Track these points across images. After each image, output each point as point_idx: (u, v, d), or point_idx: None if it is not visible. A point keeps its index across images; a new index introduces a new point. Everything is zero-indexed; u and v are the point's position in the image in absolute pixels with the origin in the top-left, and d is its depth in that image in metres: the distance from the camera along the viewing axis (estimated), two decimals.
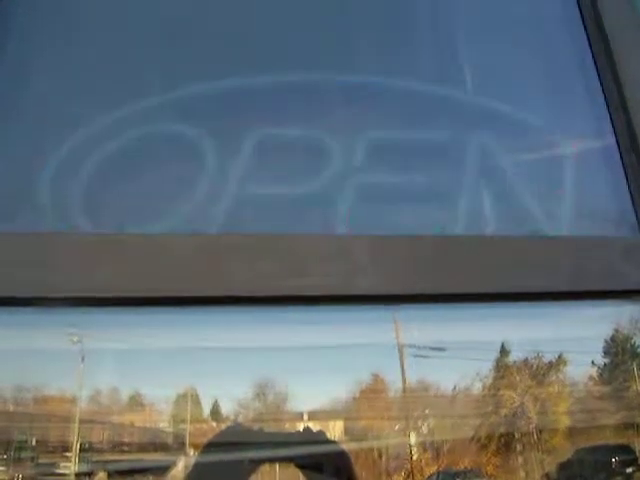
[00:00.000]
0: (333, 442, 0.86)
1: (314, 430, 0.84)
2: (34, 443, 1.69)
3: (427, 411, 2.04)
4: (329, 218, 0.91)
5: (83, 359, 1.35)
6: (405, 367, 1.70)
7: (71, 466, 1.66)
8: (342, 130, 0.99)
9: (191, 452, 1.70)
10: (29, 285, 0.75)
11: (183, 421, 1.70)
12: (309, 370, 1.51)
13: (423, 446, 2.03)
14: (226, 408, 1.62)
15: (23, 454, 1.64)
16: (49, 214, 0.87)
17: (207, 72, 1.03)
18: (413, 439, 1.99)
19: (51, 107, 0.97)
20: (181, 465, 1.67)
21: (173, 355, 1.35)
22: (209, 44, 1.07)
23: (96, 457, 1.73)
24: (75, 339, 1.30)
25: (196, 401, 1.64)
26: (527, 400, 2.32)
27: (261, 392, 1.62)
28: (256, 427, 0.93)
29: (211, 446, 0.87)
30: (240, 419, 1.60)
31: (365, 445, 1.86)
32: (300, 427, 1.63)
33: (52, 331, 0.96)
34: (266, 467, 0.86)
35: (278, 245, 0.83)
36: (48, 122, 0.96)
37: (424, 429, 2.07)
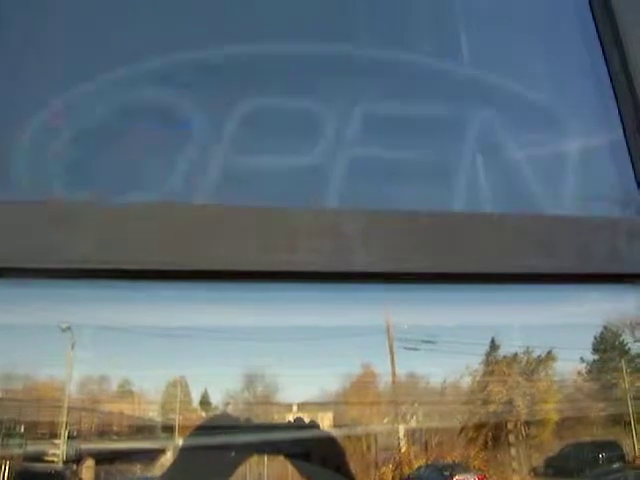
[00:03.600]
0: (323, 431, 0.86)
1: (305, 420, 0.84)
2: (22, 430, 1.69)
3: (416, 404, 2.05)
4: (321, 192, 0.90)
5: (73, 346, 1.35)
6: (395, 360, 1.71)
7: (59, 453, 1.66)
8: (336, 102, 0.94)
9: (180, 441, 1.70)
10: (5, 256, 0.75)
11: (172, 410, 1.70)
12: (299, 359, 1.51)
13: (412, 438, 2.04)
14: (215, 397, 1.62)
15: (11, 441, 1.64)
16: (27, 183, 0.83)
17: (196, 39, 0.97)
18: (402, 431, 2.00)
19: (31, 73, 0.95)
20: (170, 453, 1.67)
21: (158, 336, 1.34)
22: (200, 10, 1.05)
23: (84, 444, 1.73)
24: (64, 326, 1.29)
25: (185, 390, 1.65)
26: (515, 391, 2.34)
27: (251, 382, 1.62)
28: (245, 415, 0.93)
29: (199, 434, 0.87)
30: (230, 408, 1.60)
31: (354, 437, 1.87)
32: (290, 417, 1.63)
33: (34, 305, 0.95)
34: (254, 457, 0.86)
35: (267, 218, 0.81)
36: (27, 89, 0.93)
37: (413, 422, 2.08)
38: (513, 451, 2.30)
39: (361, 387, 1.77)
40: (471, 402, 2.23)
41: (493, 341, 1.98)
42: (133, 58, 0.97)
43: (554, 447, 2.43)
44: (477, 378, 2.13)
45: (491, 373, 2.21)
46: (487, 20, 1.21)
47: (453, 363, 1.90)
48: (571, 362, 2.15)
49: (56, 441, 1.68)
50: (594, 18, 1.10)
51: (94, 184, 0.87)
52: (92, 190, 0.87)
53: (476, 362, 2.07)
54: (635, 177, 0.94)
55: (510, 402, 2.33)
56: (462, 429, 2.19)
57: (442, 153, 0.99)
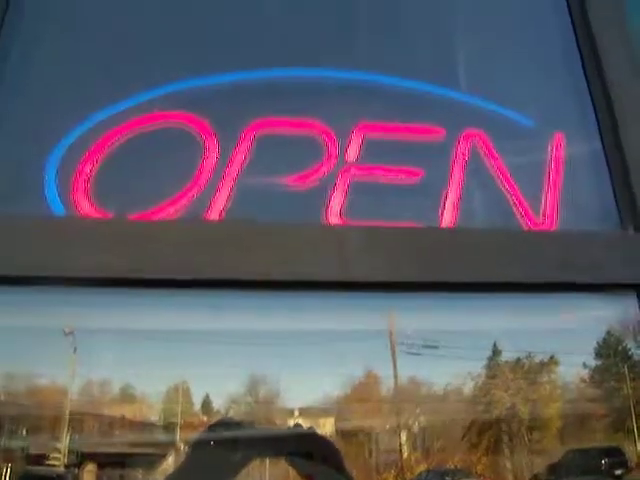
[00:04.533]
0: (322, 437, 0.87)
1: (304, 426, 0.86)
2: (25, 433, 1.69)
3: (418, 410, 2.05)
4: (323, 208, 0.97)
5: (75, 350, 1.35)
6: (397, 365, 1.71)
7: (61, 456, 1.66)
8: (340, 126, 1.03)
9: (181, 445, 1.70)
10: (31, 265, 0.79)
11: (174, 415, 1.70)
12: (301, 364, 1.51)
13: (414, 444, 2.04)
14: (217, 401, 1.63)
15: (14, 444, 1.64)
16: (54, 199, 0.90)
17: (211, 66, 1.07)
18: (404, 437, 1.99)
19: (60, 96, 1.03)
20: (171, 458, 1.67)
21: (161, 340, 1.35)
22: (214, 40, 1.12)
23: (86, 448, 1.73)
24: (67, 330, 1.29)
25: (187, 395, 1.65)
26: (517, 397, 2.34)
27: (253, 387, 1.62)
28: (247, 421, 0.94)
29: (202, 440, 0.87)
30: (231, 414, 1.60)
31: (355, 442, 1.87)
32: (291, 423, 1.63)
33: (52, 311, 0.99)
34: (256, 461, 0.87)
35: (275, 233, 0.87)
36: (56, 111, 1.01)
37: (415, 427, 2.07)
38: (515, 457, 2.29)
39: (363, 392, 1.77)
40: (473, 407, 2.22)
41: (495, 346, 1.97)
42: (154, 84, 1.02)
43: (557, 453, 2.42)
44: (479, 383, 2.12)
45: (493, 378, 2.21)
46: (477, 49, 1.29)
47: (455, 368, 1.89)
48: (571, 367, 2.15)
49: (58, 445, 1.69)
50: (578, 44, 1.16)
51: (118, 201, 0.92)
52: (115, 206, 0.93)
53: (478, 367, 2.06)
54: (613, 192, 0.99)
55: (513, 407, 2.32)
56: (464, 434, 2.18)
57: (433, 173, 1.06)
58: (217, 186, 0.94)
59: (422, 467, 2.04)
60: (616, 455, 2.34)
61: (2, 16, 1.00)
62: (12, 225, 0.83)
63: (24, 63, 1.03)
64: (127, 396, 1.67)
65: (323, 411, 1.74)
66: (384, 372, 1.79)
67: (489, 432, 2.25)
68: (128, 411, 1.74)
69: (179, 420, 1.69)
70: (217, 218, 0.92)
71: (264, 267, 0.83)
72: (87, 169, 0.91)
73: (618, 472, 2.32)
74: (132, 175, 0.97)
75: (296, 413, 1.66)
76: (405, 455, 1.99)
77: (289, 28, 1.16)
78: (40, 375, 1.57)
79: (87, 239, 0.82)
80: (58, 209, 0.89)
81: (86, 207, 0.90)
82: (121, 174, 0.95)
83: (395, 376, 1.76)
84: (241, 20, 1.14)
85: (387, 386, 1.87)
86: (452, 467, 2.13)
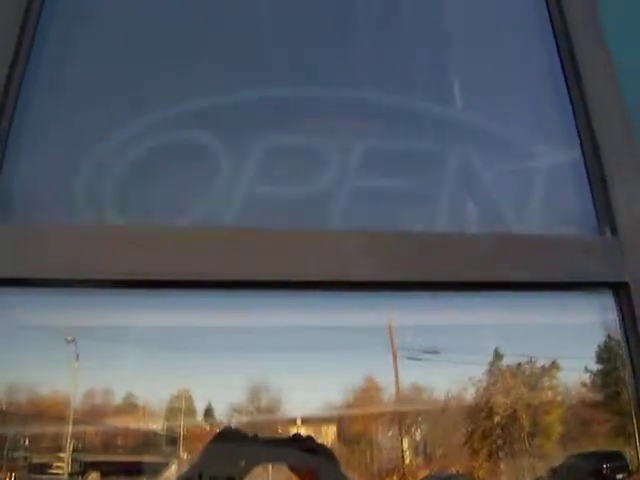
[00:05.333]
0: (321, 445, 0.90)
1: (303, 435, 0.89)
2: (27, 443, 1.69)
3: (420, 417, 2.05)
4: (326, 216, 1.06)
5: (77, 357, 1.35)
6: (399, 371, 1.71)
7: (64, 466, 1.66)
8: (340, 139, 1.12)
9: (184, 454, 1.70)
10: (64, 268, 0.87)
11: (177, 424, 1.70)
12: (303, 374, 1.51)
13: (416, 450, 2.04)
14: (219, 410, 1.63)
15: (16, 454, 1.64)
16: (84, 208, 1.00)
17: (222, 86, 1.16)
18: (406, 443, 1.99)
19: (86, 114, 1.13)
20: (174, 467, 1.67)
21: (163, 348, 1.36)
22: (225, 61, 1.22)
23: (89, 457, 1.73)
24: (69, 338, 1.30)
25: (190, 404, 1.65)
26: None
27: (255, 395, 1.62)
28: (249, 430, 0.95)
29: (207, 449, 0.88)
30: (234, 422, 1.60)
31: (357, 449, 1.87)
32: (293, 431, 1.63)
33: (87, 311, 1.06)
34: (259, 469, 0.88)
35: (281, 239, 0.95)
36: (84, 127, 1.12)
37: (417, 434, 2.08)
38: (517, 462, 2.29)
39: (365, 399, 1.77)
40: (475, 413, 2.23)
41: (497, 351, 1.98)
42: (169, 103, 1.13)
43: (559, 457, 2.42)
44: (481, 389, 2.12)
45: (495, 384, 2.21)
46: (466, 67, 1.40)
47: (457, 374, 1.90)
48: (572, 372, 2.15)
49: (61, 454, 1.69)
50: (560, 60, 1.25)
51: (138, 210, 1.03)
52: (135, 215, 1.02)
53: (479, 372, 2.06)
54: (592, 199, 1.08)
55: (514, 413, 2.32)
56: (466, 440, 2.19)
57: (428, 182, 1.16)
58: (227, 196, 1.02)
59: (424, 473, 2.04)
60: (617, 460, 2.34)
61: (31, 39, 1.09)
62: (43, 232, 0.89)
63: (51, 81, 1.15)
64: (129, 405, 1.67)
65: (325, 419, 1.74)
66: (385, 379, 1.80)
67: (491, 438, 2.26)
68: (131, 420, 1.74)
69: (181, 429, 1.69)
70: (227, 225, 0.99)
71: (270, 269, 0.92)
72: (112, 180, 1.02)
73: (620, 477, 2.32)
74: (152, 186, 1.05)
75: (298, 422, 1.66)
76: (407, 461, 1.99)
77: (293, 50, 1.28)
78: (42, 383, 1.57)
79: (103, 245, 0.88)
80: (88, 216, 1.00)
81: (113, 215, 0.98)
82: (142, 185, 1.04)
83: (397, 383, 1.76)
84: (250, 43, 1.23)
85: (389, 393, 1.87)
86: (454, 473, 2.13)
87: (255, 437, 0.92)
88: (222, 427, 1.45)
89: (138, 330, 1.24)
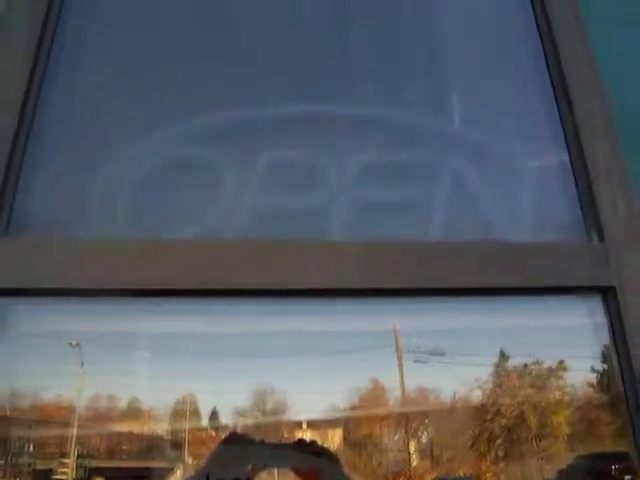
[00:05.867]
0: (325, 449, 0.91)
1: (307, 439, 0.90)
2: (31, 449, 1.68)
3: (427, 420, 2.04)
4: (326, 227, 1.11)
5: (82, 364, 1.35)
6: (404, 374, 1.70)
7: (68, 471, 1.66)
8: (339, 153, 1.19)
9: (189, 459, 1.70)
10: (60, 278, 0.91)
11: (181, 429, 1.69)
12: (308, 378, 1.51)
13: (423, 453, 2.03)
14: (224, 414, 1.62)
15: (20, 460, 1.63)
16: (98, 222, 1.06)
17: (226, 104, 1.22)
18: (412, 446, 1.98)
19: (98, 132, 1.19)
20: (179, 472, 1.66)
21: (167, 353, 1.36)
22: (227, 78, 1.28)
23: (94, 463, 1.73)
24: (74, 342, 1.29)
25: (195, 409, 1.64)
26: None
27: (260, 399, 1.61)
28: (255, 434, 0.96)
29: (213, 454, 0.89)
30: (239, 426, 1.60)
31: (364, 453, 1.86)
32: (299, 435, 1.62)
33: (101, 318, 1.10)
34: (264, 472, 0.89)
35: (281, 249, 0.99)
36: (95, 143, 1.18)
37: (424, 437, 2.06)
38: (525, 463, 2.27)
39: (371, 402, 1.76)
40: (482, 415, 2.21)
41: (502, 352, 1.97)
42: (176, 121, 1.19)
43: (566, 459, 2.40)
44: (487, 391, 2.11)
45: (501, 385, 2.20)
46: (459, 81, 1.46)
47: (463, 376, 1.89)
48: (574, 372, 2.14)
49: (65, 460, 1.68)
50: (549, 71, 1.30)
51: (145, 223, 1.09)
52: (144, 228, 1.09)
53: (486, 374, 2.05)
54: (580, 204, 1.13)
55: (521, 414, 2.31)
56: (473, 443, 2.17)
57: (422, 193, 1.20)
58: (232, 208, 1.07)
59: (431, 476, 2.02)
60: (625, 460, 2.32)
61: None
62: (59, 246, 0.94)
63: (64, 100, 1.22)
64: (134, 410, 1.67)
65: (331, 423, 1.73)
66: (391, 381, 1.79)
67: (498, 440, 2.24)
68: (135, 425, 1.73)
69: (186, 434, 1.68)
70: (232, 236, 1.04)
71: (273, 278, 0.97)
72: (122, 194, 1.08)
73: (628, 477, 2.31)
74: (161, 200, 1.11)
75: (304, 426, 1.66)
76: (414, 464, 1.98)
77: (292, 67, 1.35)
78: (46, 389, 1.57)
79: (118, 257, 0.94)
80: (100, 230, 1.05)
81: (123, 228, 1.03)
82: (151, 199, 1.10)
83: (402, 385, 1.75)
84: (250, 60, 1.29)
85: (395, 395, 1.87)
86: (461, 476, 2.12)
87: (262, 441, 0.93)
88: (228, 431, 1.45)
89: (143, 337, 1.27)
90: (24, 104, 1.05)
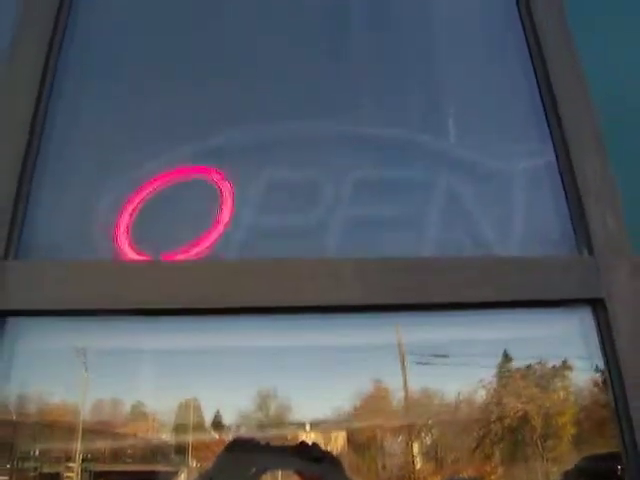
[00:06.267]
0: (327, 452, 0.92)
1: (309, 442, 0.92)
2: (37, 453, 1.69)
3: (430, 421, 2.04)
4: (323, 244, 1.15)
5: (87, 369, 1.36)
6: (407, 376, 1.70)
7: (74, 476, 1.66)
8: (334, 171, 1.23)
9: (193, 463, 1.70)
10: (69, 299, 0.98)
11: (185, 432, 1.70)
12: (311, 380, 1.51)
13: (427, 455, 2.03)
14: (228, 418, 1.63)
15: (26, 464, 1.64)
16: (103, 244, 1.11)
17: (224, 123, 1.26)
18: (416, 448, 1.98)
19: (101, 157, 1.25)
20: (183, 475, 1.67)
21: (171, 357, 1.38)
22: (228, 100, 1.33)
23: (99, 467, 1.73)
24: (79, 356, 1.30)
25: (198, 412, 1.65)
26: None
27: (263, 403, 1.62)
28: (258, 437, 0.98)
29: (216, 458, 0.90)
30: (242, 429, 1.60)
31: (368, 455, 1.86)
32: (302, 437, 1.63)
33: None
34: (268, 476, 0.89)
35: (280, 267, 1.07)
36: (98, 169, 1.30)
37: (427, 439, 2.06)
38: (530, 465, 2.27)
39: (374, 404, 1.76)
40: (486, 417, 2.21)
41: (506, 353, 1.97)
42: (175, 143, 1.24)
43: (572, 460, 2.39)
44: (491, 392, 2.11)
45: (505, 386, 2.20)
46: (450, 99, 1.51)
47: (466, 377, 1.89)
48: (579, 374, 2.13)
49: (70, 464, 1.69)
50: (539, 89, 1.33)
51: (153, 244, 1.14)
52: (151, 248, 1.14)
53: (489, 375, 2.05)
54: (570, 219, 1.19)
55: (526, 415, 2.30)
56: (478, 445, 2.17)
57: (416, 209, 1.23)
58: (233, 228, 1.13)
59: (436, 479, 2.02)
60: None
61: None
62: (65, 268, 1.00)
63: (74, 127, 1.29)
64: (138, 414, 1.67)
65: (334, 425, 1.73)
66: (394, 383, 1.79)
67: (503, 441, 2.24)
68: (139, 429, 1.74)
69: (190, 437, 1.69)
70: (233, 256, 1.10)
71: (274, 295, 1.05)
72: (126, 217, 1.13)
73: None
74: (163, 221, 1.16)
75: (307, 427, 1.66)
76: (418, 467, 1.97)
77: (290, 87, 1.41)
78: (52, 394, 1.58)
79: (129, 279, 1.00)
80: (105, 252, 1.12)
81: (127, 250, 1.08)
82: (154, 221, 1.15)
83: (405, 387, 1.76)
84: (249, 82, 1.36)
85: (398, 397, 1.87)
86: (466, 478, 2.11)
87: (265, 445, 0.94)
88: (232, 435, 1.46)
89: (147, 352, 1.34)
90: (30, 136, 1.11)
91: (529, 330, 1.29)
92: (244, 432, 1.62)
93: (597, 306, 1.07)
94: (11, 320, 0.98)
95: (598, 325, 1.08)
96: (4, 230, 1.01)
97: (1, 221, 1.00)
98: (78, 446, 1.65)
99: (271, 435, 1.80)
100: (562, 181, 1.22)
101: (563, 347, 1.40)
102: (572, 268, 1.13)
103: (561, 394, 2.15)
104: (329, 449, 1.49)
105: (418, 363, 1.61)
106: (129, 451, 1.81)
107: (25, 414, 1.51)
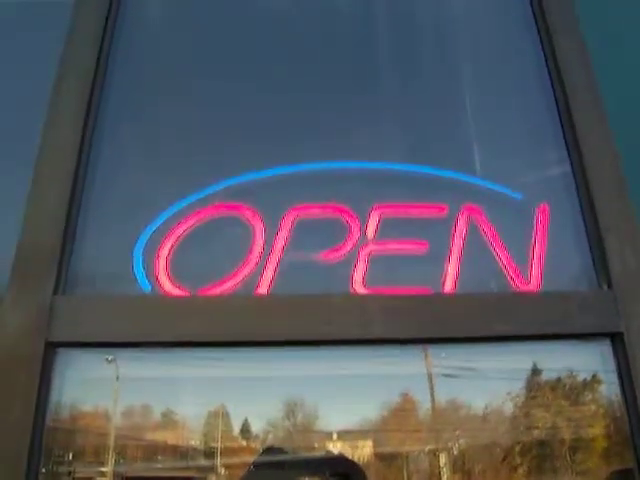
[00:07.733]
0: (350, 459, 0.94)
1: (336, 455, 0.96)
2: (71, 457, 1.73)
3: (458, 432, 2.03)
4: (349, 279, 1.18)
5: (118, 378, 1.40)
6: (435, 387, 1.70)
7: None
8: (360, 208, 1.28)
9: (221, 469, 1.73)
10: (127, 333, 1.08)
11: (214, 438, 1.73)
12: (338, 390, 1.52)
13: (454, 467, 2.02)
14: (256, 426, 1.65)
15: (61, 468, 1.68)
16: (142, 279, 1.16)
17: (253, 164, 1.33)
18: (443, 459, 1.97)
19: (138, 197, 1.34)
20: None
21: (200, 367, 1.42)
22: (256, 141, 1.41)
23: (130, 471, 1.77)
24: (110, 358, 1.34)
25: (226, 419, 1.67)
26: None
27: (291, 412, 1.64)
28: (287, 447, 1.01)
29: (251, 465, 0.94)
30: (270, 438, 1.62)
31: (394, 465, 1.86)
32: (329, 446, 1.64)
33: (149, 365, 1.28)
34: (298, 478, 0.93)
35: (310, 303, 1.12)
36: (136, 209, 1.33)
37: (455, 450, 2.05)
38: (559, 478, 2.23)
39: (401, 415, 1.77)
40: (514, 428, 2.18)
41: (535, 365, 1.95)
42: (205, 184, 1.30)
43: (601, 474, 2.35)
44: (519, 404, 2.09)
45: (534, 398, 2.17)
46: (472, 132, 1.52)
47: (494, 389, 1.88)
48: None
49: (103, 468, 1.73)
50: (562, 127, 1.34)
51: (189, 277, 1.19)
52: (188, 282, 1.20)
53: (518, 387, 2.04)
54: (591, 255, 1.20)
55: (554, 427, 2.27)
56: (505, 456, 2.15)
57: (438, 244, 1.28)
58: (264, 263, 1.19)
59: None
60: None
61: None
62: (110, 302, 1.08)
63: (116, 168, 1.38)
64: (169, 421, 1.71)
65: (361, 435, 1.74)
66: (421, 395, 1.79)
67: (531, 453, 2.21)
68: (170, 436, 1.77)
69: (219, 444, 1.71)
70: (265, 290, 1.15)
71: (304, 329, 1.10)
72: (164, 253, 1.21)
73: None
74: (199, 256, 1.23)
75: (334, 437, 1.67)
76: (445, 478, 1.97)
77: (316, 127, 1.45)
78: (84, 401, 1.62)
79: (167, 312, 1.08)
80: (145, 287, 1.18)
81: (166, 284, 1.14)
82: (190, 256, 1.22)
83: (433, 398, 1.76)
84: (275, 124, 1.43)
85: (425, 408, 1.87)
86: None
87: (290, 462, 0.96)
88: (262, 445, 1.48)
89: (183, 379, 1.41)
90: (75, 179, 1.17)
91: (548, 362, 1.33)
92: (270, 438, 1.64)
93: (616, 339, 1.09)
94: (61, 351, 1.07)
95: (616, 357, 1.11)
96: (54, 267, 1.07)
97: (52, 259, 1.05)
98: (111, 443, 1.69)
99: (298, 441, 1.82)
100: (582, 216, 1.24)
101: (582, 378, 1.43)
102: (592, 302, 1.16)
103: (577, 420, 2.13)
104: (356, 459, 1.50)
105: (445, 375, 1.62)
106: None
107: (75, 433, 1.56)
